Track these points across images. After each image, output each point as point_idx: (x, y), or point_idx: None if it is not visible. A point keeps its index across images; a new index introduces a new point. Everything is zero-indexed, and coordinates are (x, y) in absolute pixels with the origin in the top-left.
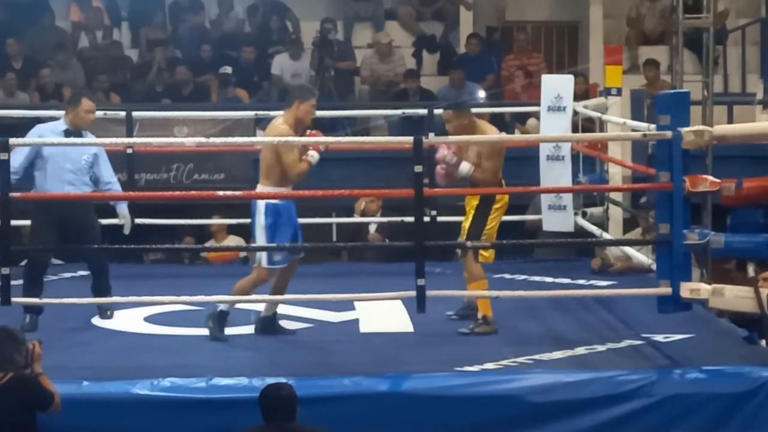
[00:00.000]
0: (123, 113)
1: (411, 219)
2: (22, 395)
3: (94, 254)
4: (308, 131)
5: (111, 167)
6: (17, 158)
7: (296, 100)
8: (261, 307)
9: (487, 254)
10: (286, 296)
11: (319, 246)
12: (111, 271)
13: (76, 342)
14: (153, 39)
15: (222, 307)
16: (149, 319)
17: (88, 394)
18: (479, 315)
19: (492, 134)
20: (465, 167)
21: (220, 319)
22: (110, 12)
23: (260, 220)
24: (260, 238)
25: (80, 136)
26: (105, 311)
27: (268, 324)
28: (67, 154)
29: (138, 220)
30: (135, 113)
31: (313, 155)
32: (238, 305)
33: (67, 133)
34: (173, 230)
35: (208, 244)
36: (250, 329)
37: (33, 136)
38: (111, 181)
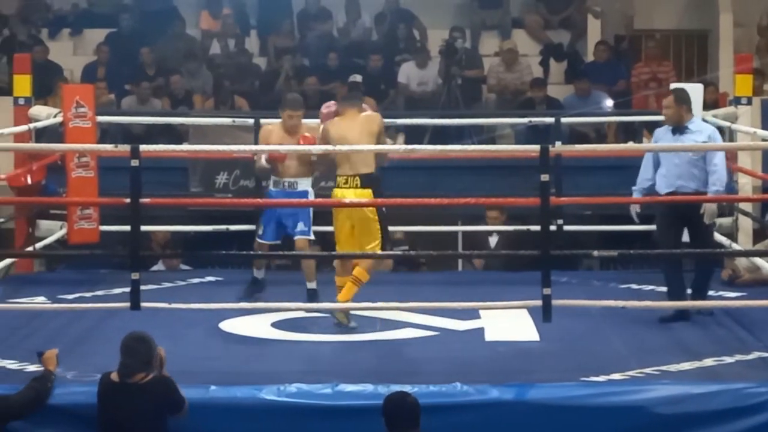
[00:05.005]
0: (251, 120)
1: (536, 228)
2: (159, 397)
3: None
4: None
5: (723, 157)
6: (646, 164)
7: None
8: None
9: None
10: (412, 304)
11: (446, 255)
12: (237, 276)
13: (203, 347)
14: (281, 47)
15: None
16: (276, 325)
17: (215, 398)
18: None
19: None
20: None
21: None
22: (239, 20)
23: None
24: None
25: (684, 131)
26: None
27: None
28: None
29: None
30: (263, 121)
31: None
32: (363, 312)
33: (674, 131)
34: None
35: None
36: (375, 336)
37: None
38: (717, 166)
